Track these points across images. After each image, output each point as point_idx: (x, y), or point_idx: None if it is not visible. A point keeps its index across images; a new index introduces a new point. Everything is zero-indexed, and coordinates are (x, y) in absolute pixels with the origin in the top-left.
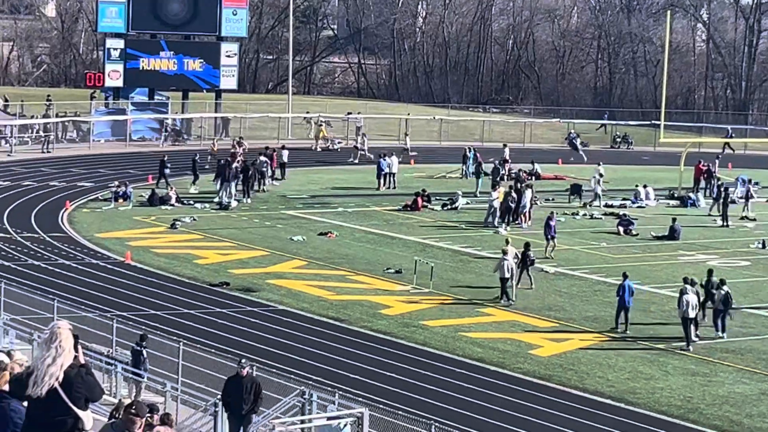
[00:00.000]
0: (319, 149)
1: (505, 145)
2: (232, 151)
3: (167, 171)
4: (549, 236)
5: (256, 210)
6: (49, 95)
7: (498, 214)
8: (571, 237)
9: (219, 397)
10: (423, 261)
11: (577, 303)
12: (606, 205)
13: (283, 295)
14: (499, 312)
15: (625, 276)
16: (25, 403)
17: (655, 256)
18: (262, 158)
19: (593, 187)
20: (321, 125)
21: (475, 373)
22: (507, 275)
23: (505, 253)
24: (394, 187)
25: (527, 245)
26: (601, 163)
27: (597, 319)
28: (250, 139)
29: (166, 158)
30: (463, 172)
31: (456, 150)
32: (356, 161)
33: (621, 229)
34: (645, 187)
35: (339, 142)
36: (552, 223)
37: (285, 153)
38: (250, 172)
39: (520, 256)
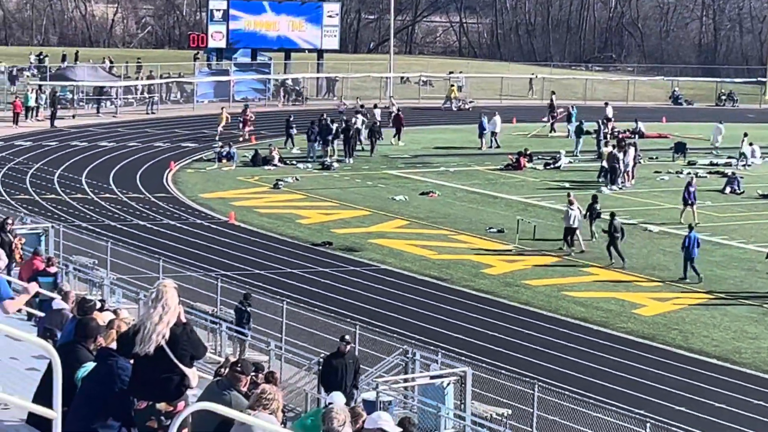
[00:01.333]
0: (454, 109)
1: (606, 104)
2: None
3: (293, 131)
4: (689, 202)
5: (357, 170)
6: (139, 58)
7: (604, 173)
8: (676, 196)
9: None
10: (525, 220)
11: (681, 262)
12: (711, 164)
13: (386, 254)
14: (602, 271)
15: (690, 228)
16: (132, 361)
17: (761, 215)
18: (360, 117)
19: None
20: (453, 85)
21: (578, 333)
22: (575, 225)
23: (570, 203)
24: (498, 147)
25: (594, 197)
26: (722, 120)
27: (702, 278)
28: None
29: (291, 118)
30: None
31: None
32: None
33: (728, 188)
34: (751, 145)
35: (471, 101)
36: (692, 188)
37: (377, 112)
38: (351, 132)
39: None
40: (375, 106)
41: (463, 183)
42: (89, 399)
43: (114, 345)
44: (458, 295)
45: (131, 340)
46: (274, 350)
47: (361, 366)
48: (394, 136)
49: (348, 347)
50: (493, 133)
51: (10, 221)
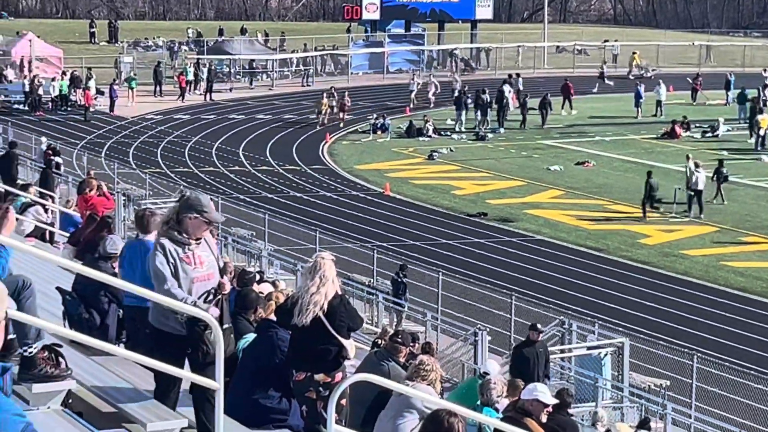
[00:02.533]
0: (632, 77)
1: (765, 70)
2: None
3: (469, 102)
4: None
5: (512, 140)
6: (266, 31)
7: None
8: None
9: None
10: (682, 190)
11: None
12: None
13: (541, 225)
14: (763, 240)
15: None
16: (290, 333)
17: None
18: (507, 87)
19: None
20: (635, 53)
21: (738, 303)
22: (700, 187)
23: (697, 166)
24: (662, 115)
25: (720, 162)
26: None
27: None
28: (506, 69)
29: (466, 89)
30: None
31: (715, 76)
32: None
33: None
34: None
35: (654, 69)
36: None
37: (520, 80)
38: (505, 102)
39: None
40: (518, 75)
41: (619, 152)
42: (250, 370)
43: (273, 316)
44: (615, 265)
45: (289, 312)
46: (430, 321)
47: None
48: (564, 106)
49: (539, 336)
50: (659, 102)
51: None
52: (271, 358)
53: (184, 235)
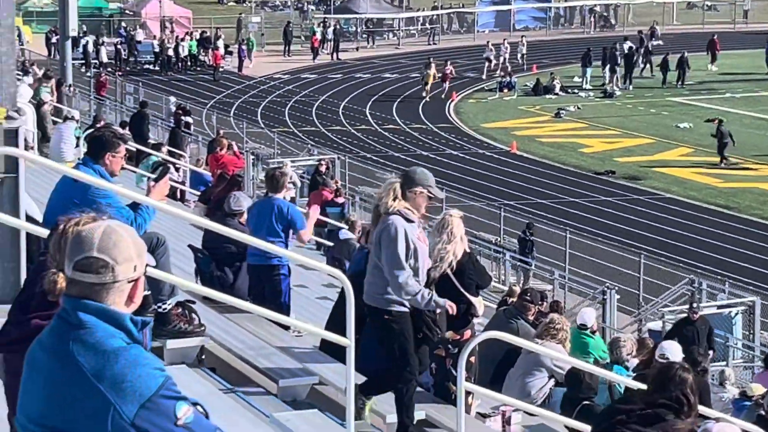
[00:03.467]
0: None
1: None
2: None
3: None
4: None
5: (640, 98)
6: None
7: None
8: None
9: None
10: None
11: None
12: None
13: (669, 183)
14: None
15: None
16: None
17: None
18: (628, 44)
19: None
20: None
21: None
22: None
23: None
24: None
25: None
26: None
27: None
28: (636, 26)
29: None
30: None
31: None
32: None
33: None
34: None
35: None
36: None
37: (653, 37)
38: (635, 59)
39: None
40: (651, 33)
41: (750, 109)
42: None
43: None
44: (745, 223)
45: None
46: (557, 279)
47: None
48: (711, 62)
49: (697, 315)
50: None
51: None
52: None
53: (414, 211)
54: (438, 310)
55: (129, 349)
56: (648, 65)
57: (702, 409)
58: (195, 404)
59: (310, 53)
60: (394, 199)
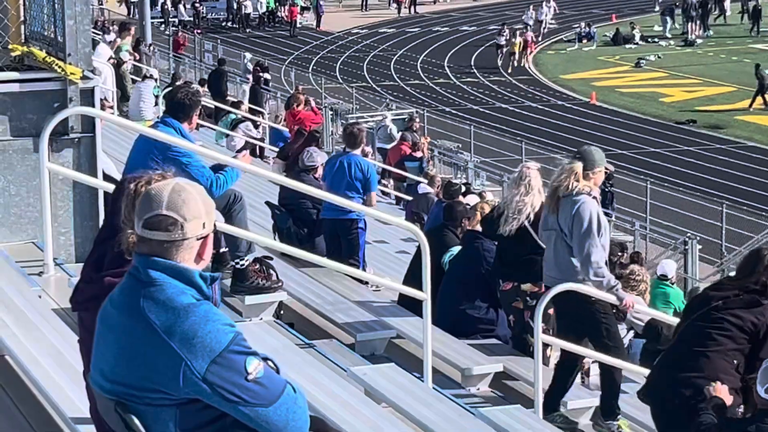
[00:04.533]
0: None
1: None
2: None
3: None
4: None
5: (722, 45)
6: None
7: None
8: None
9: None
10: None
11: None
12: None
13: (753, 131)
14: None
15: None
16: (496, 243)
17: None
18: None
19: None
20: None
21: None
22: None
23: None
24: None
25: None
26: None
27: None
28: None
29: None
30: None
31: None
32: None
33: None
34: None
35: None
36: None
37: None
38: (710, 6)
39: None
40: None
41: None
42: (457, 281)
43: (479, 227)
44: None
45: (495, 222)
46: (638, 230)
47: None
48: None
49: None
50: None
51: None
52: (477, 269)
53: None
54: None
55: (199, 305)
56: (721, 12)
57: None
58: (266, 359)
59: (388, 7)
60: (576, 181)
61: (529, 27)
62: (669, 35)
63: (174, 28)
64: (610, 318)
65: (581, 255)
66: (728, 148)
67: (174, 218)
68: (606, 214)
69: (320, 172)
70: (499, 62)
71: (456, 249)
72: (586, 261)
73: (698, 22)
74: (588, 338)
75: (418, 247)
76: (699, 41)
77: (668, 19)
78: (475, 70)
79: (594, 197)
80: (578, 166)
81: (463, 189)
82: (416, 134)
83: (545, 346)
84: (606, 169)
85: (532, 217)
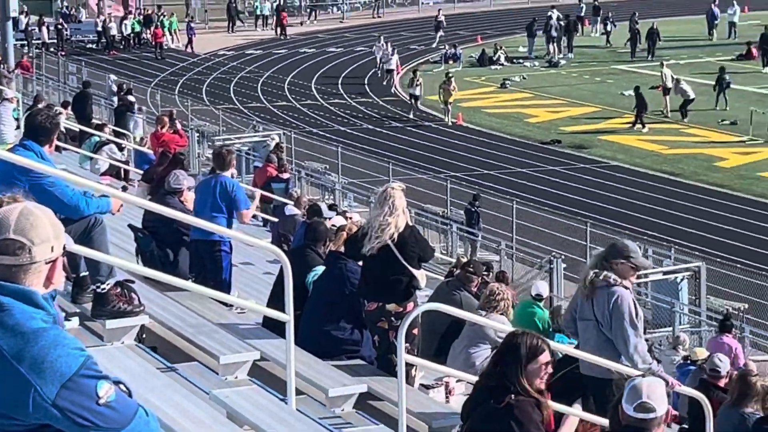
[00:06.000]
0: None
1: None
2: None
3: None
4: None
5: (586, 66)
6: None
7: None
8: None
9: None
10: (759, 111)
11: None
12: None
13: (615, 151)
14: None
15: None
16: (361, 263)
17: None
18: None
19: None
20: None
21: None
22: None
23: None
24: (735, 37)
25: (722, 68)
26: None
27: None
28: None
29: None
30: None
31: None
32: None
33: None
34: None
35: None
36: None
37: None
38: (575, 27)
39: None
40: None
41: (694, 75)
42: (322, 302)
43: (343, 248)
44: (691, 189)
45: (360, 242)
46: (504, 249)
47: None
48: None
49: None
50: (732, 24)
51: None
52: (341, 290)
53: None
54: None
55: (48, 330)
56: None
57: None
58: (117, 383)
59: (255, 29)
60: (610, 269)
61: (379, 59)
62: (533, 56)
63: (37, 50)
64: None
65: (627, 346)
66: (592, 168)
67: (22, 242)
68: (472, 234)
69: (186, 194)
70: (385, 82)
71: (320, 269)
72: (629, 351)
73: (560, 43)
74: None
75: (281, 268)
76: (563, 62)
77: (532, 40)
78: (342, 92)
79: (627, 288)
80: (601, 254)
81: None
82: (276, 154)
83: (409, 366)
84: (631, 263)
85: (396, 237)
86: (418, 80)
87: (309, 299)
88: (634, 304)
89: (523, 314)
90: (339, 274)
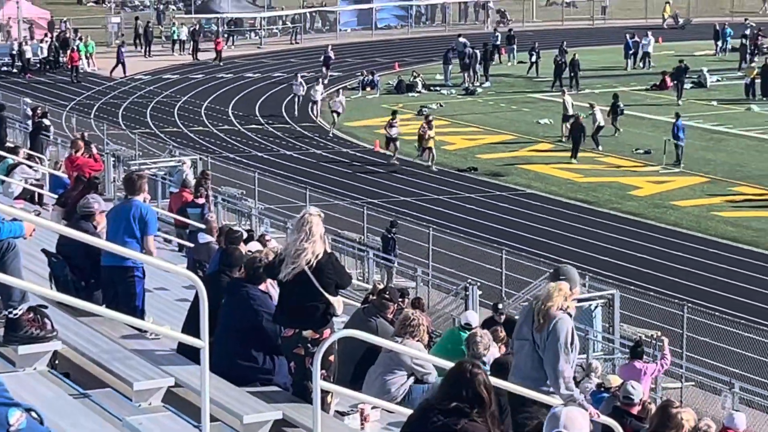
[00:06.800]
0: (665, 27)
1: (746, 20)
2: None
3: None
4: None
5: (502, 94)
6: None
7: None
8: None
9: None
10: (672, 141)
11: None
12: None
13: (531, 178)
14: (752, 190)
15: (677, 116)
16: (277, 289)
17: None
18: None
19: None
20: (668, 3)
21: (728, 253)
22: (602, 124)
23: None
24: (649, 67)
25: (615, 96)
26: None
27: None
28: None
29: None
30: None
31: (705, 26)
32: None
33: None
34: None
35: (687, 19)
36: None
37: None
38: (490, 55)
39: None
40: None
41: (609, 104)
42: (230, 330)
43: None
44: (605, 217)
45: (277, 268)
46: (420, 276)
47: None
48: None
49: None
50: (646, 54)
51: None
52: (247, 318)
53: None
54: None
55: None
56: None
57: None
58: (29, 410)
59: (172, 53)
60: (565, 299)
61: (299, 97)
62: (450, 84)
63: None
64: None
65: (554, 370)
66: (508, 195)
67: None
68: (389, 260)
69: (98, 218)
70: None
71: None
72: (559, 376)
73: (475, 71)
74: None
75: (196, 294)
76: (479, 90)
77: (449, 68)
78: (259, 117)
79: (570, 315)
80: (566, 285)
81: (245, 236)
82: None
83: (325, 393)
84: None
85: (313, 263)
86: (395, 121)
87: (218, 327)
88: (572, 332)
89: (449, 341)
90: (242, 302)
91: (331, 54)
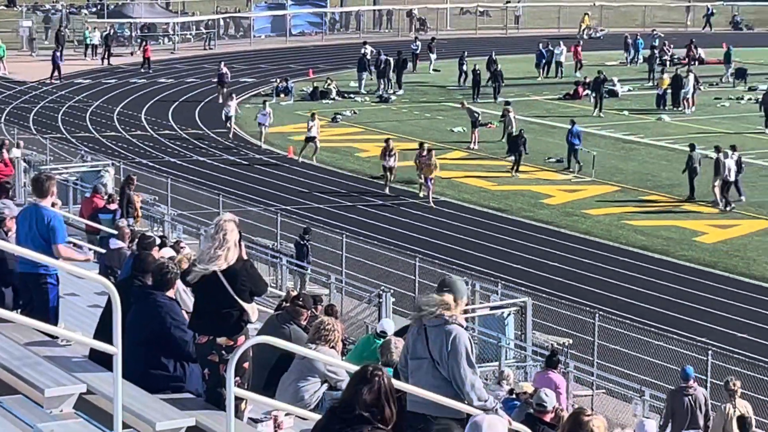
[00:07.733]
0: (585, 37)
1: (653, 30)
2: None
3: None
4: None
5: (416, 102)
6: None
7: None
8: (736, 122)
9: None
10: (585, 150)
11: (743, 189)
12: None
13: (444, 186)
14: (662, 199)
15: (572, 123)
16: (191, 297)
17: None
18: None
19: None
20: (586, 14)
21: (639, 261)
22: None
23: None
24: (561, 76)
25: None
26: None
27: (764, 204)
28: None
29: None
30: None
31: (616, 37)
32: None
33: None
34: None
35: (602, 30)
36: None
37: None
38: (403, 64)
39: None
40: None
41: (522, 113)
42: (137, 338)
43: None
44: (518, 225)
45: (188, 272)
46: (334, 283)
47: None
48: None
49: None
50: (558, 63)
51: (134, 178)
52: (156, 325)
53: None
54: None
55: None
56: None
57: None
58: None
59: (84, 58)
60: (447, 310)
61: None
62: (364, 91)
63: None
64: None
65: (464, 383)
66: (421, 203)
67: None
68: (301, 267)
69: (9, 224)
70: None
71: None
72: (470, 388)
73: (389, 79)
74: None
75: (109, 299)
76: (393, 98)
77: (363, 75)
78: (172, 123)
79: (461, 325)
80: (449, 297)
81: (158, 241)
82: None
83: (239, 399)
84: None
85: (227, 269)
86: (392, 151)
87: (126, 335)
88: (470, 342)
89: (364, 349)
90: (150, 310)
91: (225, 70)
